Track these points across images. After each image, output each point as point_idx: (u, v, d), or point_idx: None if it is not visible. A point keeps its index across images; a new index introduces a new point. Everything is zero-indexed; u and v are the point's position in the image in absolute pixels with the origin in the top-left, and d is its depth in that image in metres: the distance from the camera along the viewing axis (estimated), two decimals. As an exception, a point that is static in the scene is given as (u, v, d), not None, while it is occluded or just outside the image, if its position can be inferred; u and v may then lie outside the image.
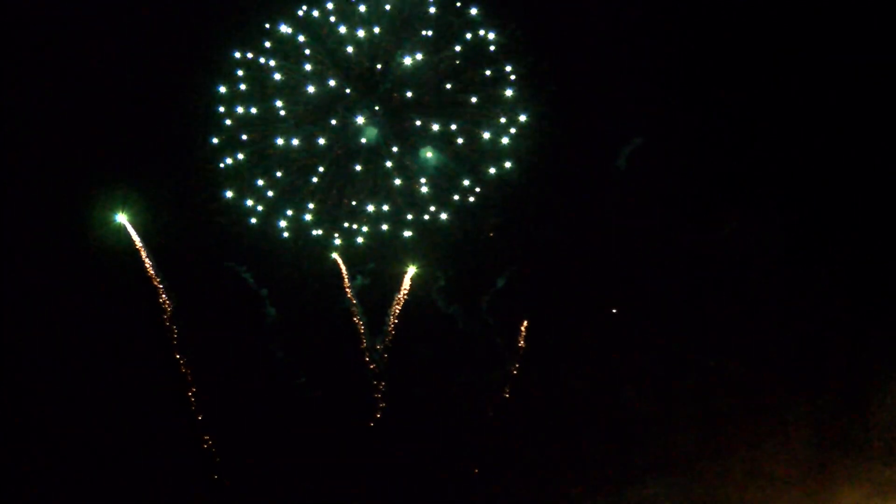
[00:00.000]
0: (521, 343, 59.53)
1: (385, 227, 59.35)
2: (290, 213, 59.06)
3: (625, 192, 59.43)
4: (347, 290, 60.58)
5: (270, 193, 58.95)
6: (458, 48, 58.43)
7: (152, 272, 59.09)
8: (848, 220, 57.63)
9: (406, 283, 60.23)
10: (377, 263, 60.70)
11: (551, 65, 59.21)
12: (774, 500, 54.92)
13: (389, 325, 60.54)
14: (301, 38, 58.39)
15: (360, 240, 59.35)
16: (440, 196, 59.57)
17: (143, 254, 58.96)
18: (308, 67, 58.33)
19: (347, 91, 58.10)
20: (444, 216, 59.37)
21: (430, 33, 58.14)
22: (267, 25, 58.68)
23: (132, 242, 58.92)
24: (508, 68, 58.68)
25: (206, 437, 58.99)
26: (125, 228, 58.66)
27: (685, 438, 56.51)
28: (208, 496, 58.52)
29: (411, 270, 60.14)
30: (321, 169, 58.80)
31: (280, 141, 58.42)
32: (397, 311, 60.49)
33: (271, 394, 59.79)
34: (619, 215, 59.30)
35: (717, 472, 55.85)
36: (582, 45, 59.81)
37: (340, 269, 60.54)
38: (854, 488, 54.28)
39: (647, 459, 56.46)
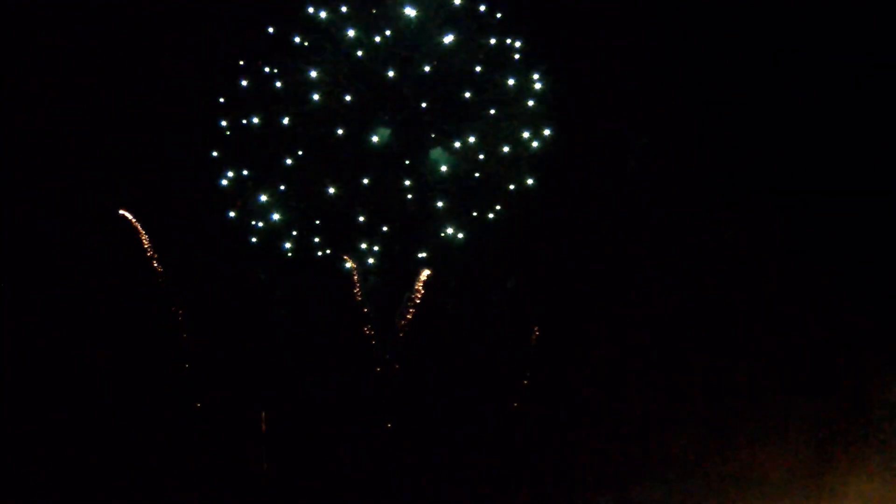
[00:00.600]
0: (532, 349, 59.75)
1: (397, 247, 59.54)
2: (294, 233, 59.08)
3: (627, 194, 59.81)
4: (357, 295, 60.74)
5: (276, 217, 58.96)
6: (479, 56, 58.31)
7: (158, 272, 59.40)
8: (849, 221, 57.71)
9: (418, 286, 60.07)
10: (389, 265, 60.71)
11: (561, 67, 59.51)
12: (774, 500, 54.90)
13: (400, 328, 60.57)
14: (307, 43, 58.34)
15: (371, 260, 59.48)
16: (457, 213, 59.44)
17: (149, 252, 59.19)
18: (314, 74, 58.19)
19: (350, 99, 57.88)
20: (460, 235, 59.25)
21: (450, 39, 57.71)
22: (270, 29, 58.77)
23: (140, 244, 59.36)
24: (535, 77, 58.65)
25: (211, 438, 59.47)
26: (130, 228, 59.13)
27: (685, 439, 56.51)
28: (214, 497, 59.05)
29: (424, 273, 59.89)
30: (331, 190, 58.60)
31: (284, 153, 58.34)
32: (408, 313, 60.68)
33: (279, 394, 59.86)
34: (620, 216, 59.68)
35: (717, 472, 55.86)
36: (587, 47, 60.21)
37: (352, 272, 60.54)
38: (854, 488, 54.22)
39: (646, 460, 56.50)
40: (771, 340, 56.93)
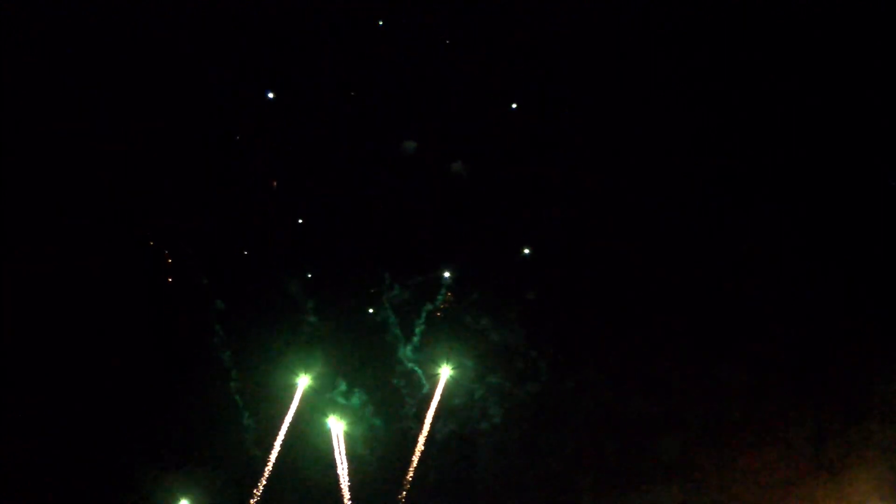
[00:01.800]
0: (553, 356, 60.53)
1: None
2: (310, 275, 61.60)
3: (627, 199, 60.32)
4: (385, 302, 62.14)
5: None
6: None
7: (193, 275, 61.47)
8: (849, 224, 57.52)
9: (441, 298, 61.81)
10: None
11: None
12: (774, 500, 55.43)
13: (421, 335, 62.07)
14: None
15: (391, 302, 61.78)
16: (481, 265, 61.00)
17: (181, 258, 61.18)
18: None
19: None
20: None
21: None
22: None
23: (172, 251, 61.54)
24: None
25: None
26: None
27: (688, 441, 57.31)
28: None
29: (446, 288, 61.56)
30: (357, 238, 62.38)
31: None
32: (429, 321, 62.07)
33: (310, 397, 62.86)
34: (623, 221, 60.22)
35: (718, 473, 56.61)
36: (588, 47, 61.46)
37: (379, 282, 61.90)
38: (854, 489, 54.45)
39: (650, 462, 57.39)
40: (770, 343, 57.15)
